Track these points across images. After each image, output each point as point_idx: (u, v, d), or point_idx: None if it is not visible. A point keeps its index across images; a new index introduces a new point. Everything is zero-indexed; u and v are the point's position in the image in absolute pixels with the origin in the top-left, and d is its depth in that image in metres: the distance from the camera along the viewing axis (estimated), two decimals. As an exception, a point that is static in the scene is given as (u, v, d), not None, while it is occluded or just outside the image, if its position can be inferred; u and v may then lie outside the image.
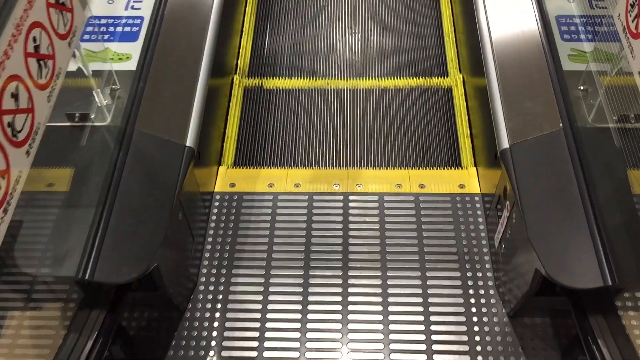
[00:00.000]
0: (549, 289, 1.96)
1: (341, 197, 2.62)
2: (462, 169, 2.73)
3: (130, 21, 2.46)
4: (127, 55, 2.34)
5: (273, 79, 3.14)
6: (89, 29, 2.41)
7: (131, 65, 2.30)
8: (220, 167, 2.75)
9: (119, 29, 2.43)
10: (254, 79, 3.14)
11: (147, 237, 1.93)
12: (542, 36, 2.33)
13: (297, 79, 3.14)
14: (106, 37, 2.41)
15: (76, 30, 1.72)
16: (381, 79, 3.13)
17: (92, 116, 2.12)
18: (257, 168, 2.75)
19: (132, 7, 2.51)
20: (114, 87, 2.19)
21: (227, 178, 2.71)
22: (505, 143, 2.14)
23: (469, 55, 2.90)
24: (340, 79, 3.14)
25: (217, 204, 2.60)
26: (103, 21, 2.46)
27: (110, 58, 2.33)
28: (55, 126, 2.03)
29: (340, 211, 2.57)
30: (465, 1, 2.89)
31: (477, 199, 2.58)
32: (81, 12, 1.75)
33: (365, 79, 3.14)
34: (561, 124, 2.09)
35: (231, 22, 3.08)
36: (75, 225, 1.89)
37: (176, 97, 2.29)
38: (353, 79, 3.14)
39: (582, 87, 2.15)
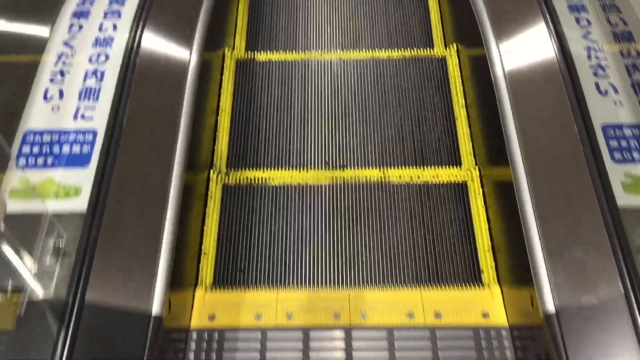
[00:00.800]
0: None
1: (342, 334, 2.19)
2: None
3: (81, 137, 1.98)
4: (75, 189, 1.88)
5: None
6: (26, 149, 1.95)
7: (81, 203, 1.84)
8: (197, 291, 2.30)
9: (66, 149, 1.96)
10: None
11: None
12: (587, 157, 1.91)
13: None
14: (49, 160, 1.94)
15: (-9, 232, 1.26)
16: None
17: (29, 288, 1.66)
18: (241, 291, 2.31)
19: (83, 117, 2.03)
20: (57, 243, 1.73)
21: (205, 307, 2.25)
22: (550, 306, 1.72)
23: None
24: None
25: (193, 346, 2.15)
26: (45, 137, 1.98)
27: (55, 192, 1.86)
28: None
29: (342, 354, 2.14)
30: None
31: (504, 333, 2.16)
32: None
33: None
34: (621, 287, 1.68)
35: (201, 144, 2.55)
36: None
37: (138, 246, 1.83)
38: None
39: (645, 236, 1.74)
